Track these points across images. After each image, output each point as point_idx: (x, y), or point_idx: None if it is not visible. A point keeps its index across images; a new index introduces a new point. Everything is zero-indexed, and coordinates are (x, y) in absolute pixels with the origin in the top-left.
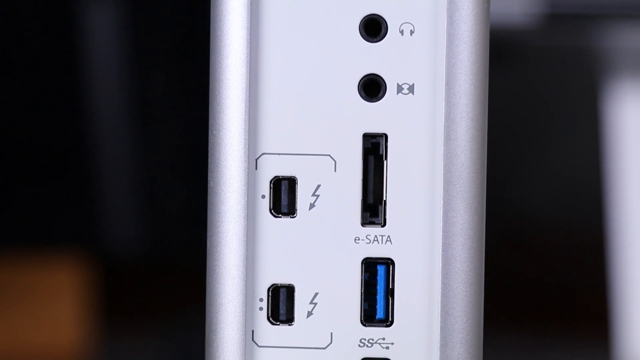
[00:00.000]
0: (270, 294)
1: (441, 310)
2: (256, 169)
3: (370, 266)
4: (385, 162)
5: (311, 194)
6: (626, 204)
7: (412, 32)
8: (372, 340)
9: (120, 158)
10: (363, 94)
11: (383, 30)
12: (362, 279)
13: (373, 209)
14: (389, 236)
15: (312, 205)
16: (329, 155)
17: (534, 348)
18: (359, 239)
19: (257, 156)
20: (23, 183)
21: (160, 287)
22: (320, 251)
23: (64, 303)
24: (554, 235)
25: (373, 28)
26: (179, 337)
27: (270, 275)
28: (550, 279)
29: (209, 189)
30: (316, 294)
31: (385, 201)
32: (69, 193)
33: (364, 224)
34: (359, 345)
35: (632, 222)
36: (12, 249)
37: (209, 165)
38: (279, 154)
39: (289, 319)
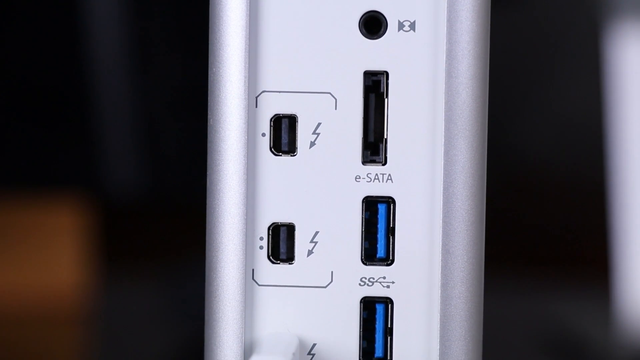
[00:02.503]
0: (270, 232)
1: (442, 249)
2: (256, 106)
3: (371, 205)
4: (386, 100)
5: (311, 132)
6: (628, 147)
7: None
8: (373, 279)
9: (120, 100)
10: (364, 31)
11: None
12: (362, 217)
13: (374, 147)
14: (389, 174)
15: (312, 144)
16: (329, 93)
17: (534, 292)
18: (359, 178)
19: (257, 94)
20: (23, 126)
21: (160, 229)
22: (320, 190)
23: (64, 246)
24: (555, 178)
25: None
26: (179, 279)
27: (271, 213)
28: (551, 223)
29: (208, 127)
30: (316, 233)
31: (386, 139)
32: (69, 135)
33: (364, 162)
34: (360, 284)
35: (634, 166)
36: (12, 191)
37: (208, 103)
38: (279, 91)
39: (289, 258)
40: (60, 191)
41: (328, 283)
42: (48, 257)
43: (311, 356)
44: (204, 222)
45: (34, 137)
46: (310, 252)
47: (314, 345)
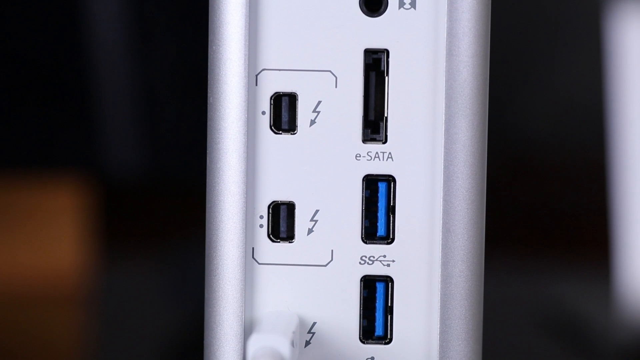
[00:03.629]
0: (270, 211)
1: (442, 228)
2: (256, 84)
3: (371, 183)
4: (386, 78)
5: (312, 110)
6: (629, 127)
7: None
8: (373, 257)
9: (120, 79)
10: (364, 8)
11: None
12: (363, 196)
13: (374, 125)
14: (390, 153)
15: (312, 122)
16: (329, 71)
17: (534, 272)
18: (359, 156)
19: (258, 72)
20: (23, 105)
21: (160, 209)
22: (320, 168)
23: (63, 226)
24: (556, 159)
25: None
26: (179, 259)
27: (271, 192)
28: (551, 204)
29: (208, 105)
30: (317, 211)
31: (386, 118)
32: (69, 115)
33: (365, 140)
34: (360, 263)
35: (635, 147)
36: (11, 171)
37: (208, 81)
38: (280, 69)
39: (290, 236)
40: (60, 171)
41: (328, 262)
42: (48, 237)
43: (311, 335)
44: (204, 201)
45: (34, 116)
46: (310, 231)
47: (314, 323)
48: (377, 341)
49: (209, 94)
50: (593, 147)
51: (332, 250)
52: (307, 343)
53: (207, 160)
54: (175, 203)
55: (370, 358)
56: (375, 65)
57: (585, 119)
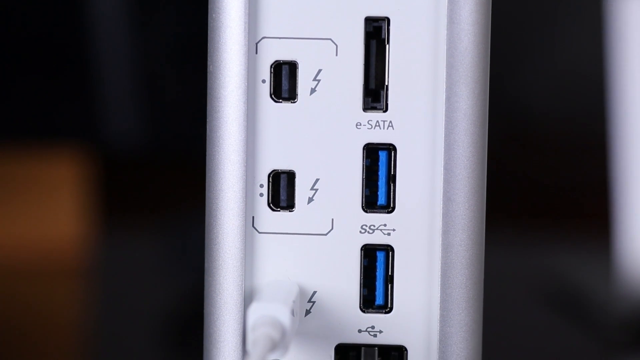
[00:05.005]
0: (270, 179)
1: (443, 196)
2: (256, 53)
3: (371, 152)
4: (387, 46)
5: (312, 78)
6: (629, 100)
7: None
8: (374, 226)
9: (120, 51)
10: None
11: None
12: (363, 164)
13: (375, 94)
14: (390, 121)
15: (313, 90)
16: (330, 39)
17: (534, 245)
18: (360, 125)
19: (258, 40)
20: (23, 77)
21: (160, 180)
22: (321, 137)
23: (63, 198)
24: (556, 131)
25: None
26: (179, 230)
27: (271, 161)
28: (552, 176)
29: (208, 74)
30: (317, 180)
31: (387, 86)
32: (69, 87)
33: (365, 109)
34: (360, 232)
35: (635, 119)
36: (11, 143)
37: (208, 50)
38: (280, 37)
39: (290, 205)
40: (60, 143)
41: (328, 230)
42: (47, 209)
43: (311, 304)
44: (204, 173)
45: (34, 88)
46: (310, 200)
47: (315, 292)
48: (377, 310)
49: (208, 63)
50: (594, 120)
51: (332, 219)
52: (308, 312)
53: (207, 129)
54: (175, 174)
55: (371, 327)
56: (376, 33)
57: (586, 92)
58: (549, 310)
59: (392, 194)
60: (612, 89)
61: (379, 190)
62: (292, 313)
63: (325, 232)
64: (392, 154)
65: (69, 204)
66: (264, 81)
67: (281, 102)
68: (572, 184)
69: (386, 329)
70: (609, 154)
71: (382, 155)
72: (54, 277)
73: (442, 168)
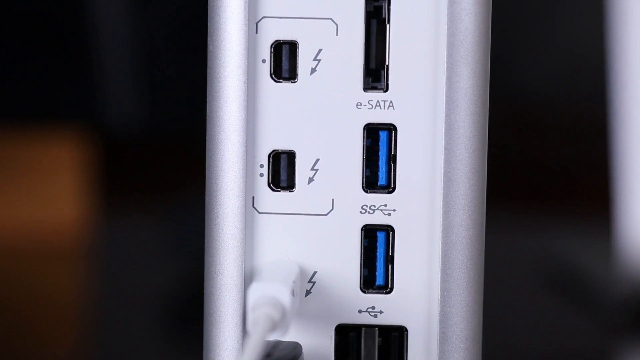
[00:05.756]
0: (270, 160)
1: (444, 177)
2: (256, 32)
3: (372, 132)
4: (387, 25)
5: (312, 58)
6: (630, 81)
7: None
8: (374, 206)
9: (120, 32)
10: None
11: None
12: (363, 144)
13: (375, 74)
14: (391, 101)
15: (313, 70)
16: (330, 18)
17: (535, 226)
18: (360, 105)
19: (258, 19)
20: (22, 59)
21: (160, 162)
22: (321, 117)
23: (63, 179)
24: (557, 113)
25: None
26: (179, 212)
27: (271, 141)
28: (553, 158)
29: (208, 54)
30: (317, 160)
31: (387, 66)
32: (69, 68)
33: (366, 89)
34: (361, 212)
35: (636, 101)
36: (11, 124)
37: (208, 29)
38: (280, 17)
39: (290, 185)
40: (60, 125)
41: (329, 211)
42: (47, 191)
43: (312, 284)
44: (204, 155)
45: (34, 70)
46: (311, 180)
47: (315, 273)
48: (377, 291)
49: (208, 42)
50: (594, 102)
51: (332, 200)
52: (308, 292)
53: (207, 109)
54: (176, 156)
55: (371, 307)
56: (377, 12)
57: (587, 74)
58: (549, 292)
59: (392, 174)
60: (613, 71)
61: (380, 170)
62: (293, 293)
63: (325, 213)
64: (393, 134)
65: (69, 186)
66: (264, 61)
67: (281, 82)
68: (573, 165)
69: (386, 309)
70: (609, 136)
71: (383, 135)
72: (54, 259)
73: (443, 148)
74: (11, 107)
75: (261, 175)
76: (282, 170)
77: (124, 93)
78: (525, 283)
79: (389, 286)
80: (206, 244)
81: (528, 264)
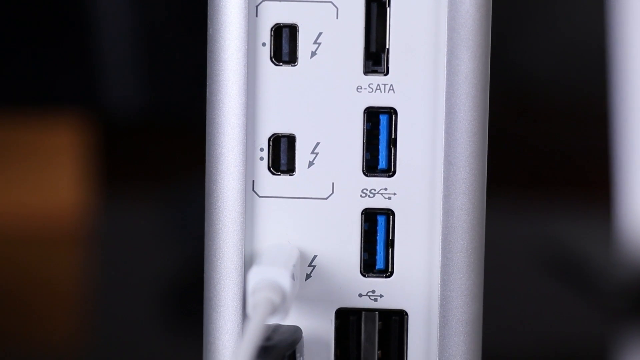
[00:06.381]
0: (271, 143)
1: (444, 160)
2: (256, 15)
3: (372, 115)
4: (388, 9)
5: (313, 41)
6: (631, 66)
7: None
8: (374, 190)
9: (120, 16)
10: None
11: None
12: (364, 128)
13: (376, 57)
14: (391, 85)
15: (313, 54)
16: (330, 2)
17: (535, 211)
18: (361, 88)
19: (258, 3)
20: (23, 44)
21: (160, 147)
22: (321, 100)
23: (63, 164)
24: (557, 98)
25: None
26: (179, 197)
27: (271, 124)
28: (553, 142)
29: (208, 37)
30: (317, 144)
31: (388, 49)
32: (69, 53)
33: (366, 72)
34: (361, 196)
35: (637, 87)
36: (11, 110)
37: (208, 12)
38: (280, 0)
39: (290, 169)
40: (60, 110)
41: (329, 194)
42: (48, 176)
43: (312, 268)
44: (204, 139)
45: (34, 55)
46: (311, 163)
47: (315, 257)
48: (378, 274)
49: (208, 26)
50: (595, 88)
51: (332, 183)
52: (308, 276)
53: (207, 93)
54: (176, 141)
55: (371, 291)
56: None
57: (588, 59)
58: (549, 277)
59: (392, 157)
60: (614, 57)
61: (380, 154)
62: (293, 277)
63: (325, 196)
64: (393, 117)
65: (69, 171)
66: (264, 44)
67: (281, 65)
68: (573, 150)
69: (387, 293)
70: (609, 122)
71: (383, 118)
72: (54, 244)
73: (443, 132)
74: (11, 92)
75: (261, 159)
76: (282, 153)
77: (124, 78)
78: (526, 268)
79: (389, 270)
80: (206, 228)
81: (528, 249)
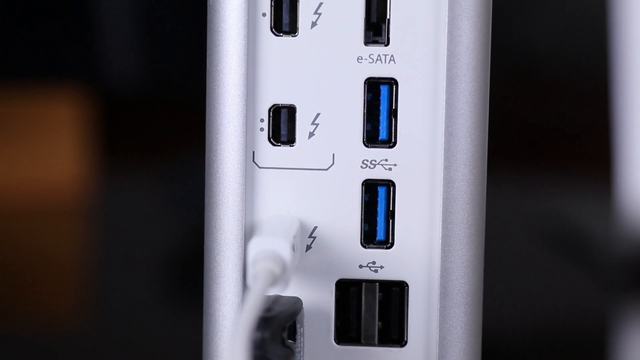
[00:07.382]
0: (271, 114)
1: (445, 131)
2: None
3: (373, 86)
4: None
5: (313, 12)
6: (631, 41)
7: None
8: (375, 161)
9: None
10: None
11: None
12: (364, 99)
13: (376, 27)
14: (392, 55)
15: (314, 24)
16: None
17: (535, 186)
18: (361, 59)
19: None
20: (23, 18)
21: (161, 121)
22: (322, 71)
23: (63, 138)
24: (558, 71)
25: None
26: (179, 171)
27: (271, 95)
28: (553, 118)
29: (208, 7)
30: (318, 115)
31: (389, 20)
32: (69, 27)
33: (367, 42)
34: (362, 167)
35: (637, 62)
36: (11, 83)
37: None
38: None
39: (290, 140)
40: (60, 83)
41: (329, 165)
42: (48, 150)
43: (312, 239)
44: (205, 111)
45: (34, 29)
46: (311, 134)
47: (315, 228)
48: (378, 245)
49: None
50: (596, 62)
51: (333, 154)
52: (308, 247)
53: (207, 64)
54: (176, 114)
55: (372, 262)
56: None
57: (589, 34)
58: (550, 250)
59: (393, 128)
60: (615, 31)
61: (380, 125)
62: (293, 248)
63: (326, 167)
64: (394, 88)
65: (69, 145)
66: (264, 14)
67: (282, 35)
68: (574, 124)
69: (387, 264)
70: (610, 96)
71: (384, 89)
72: (54, 218)
73: (444, 102)
74: (11, 65)
75: (261, 129)
76: (282, 124)
77: (124, 51)
78: (526, 242)
79: (390, 241)
80: (206, 199)
81: (529, 223)
